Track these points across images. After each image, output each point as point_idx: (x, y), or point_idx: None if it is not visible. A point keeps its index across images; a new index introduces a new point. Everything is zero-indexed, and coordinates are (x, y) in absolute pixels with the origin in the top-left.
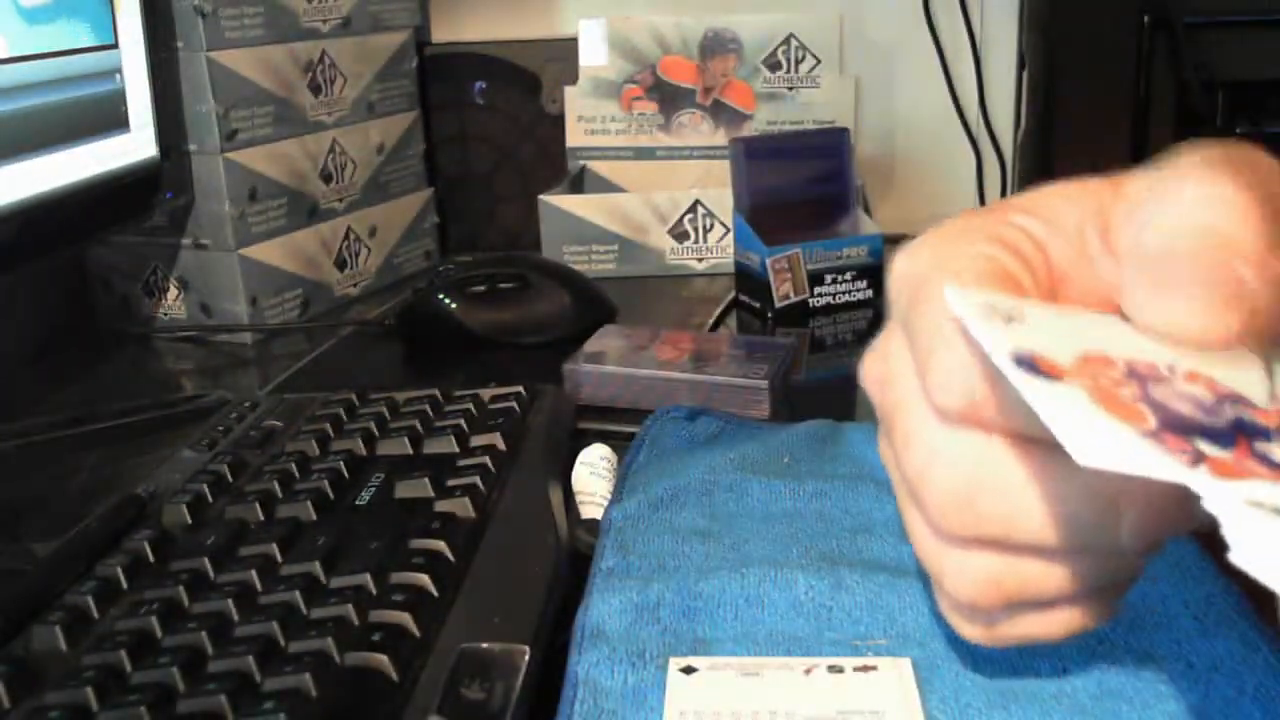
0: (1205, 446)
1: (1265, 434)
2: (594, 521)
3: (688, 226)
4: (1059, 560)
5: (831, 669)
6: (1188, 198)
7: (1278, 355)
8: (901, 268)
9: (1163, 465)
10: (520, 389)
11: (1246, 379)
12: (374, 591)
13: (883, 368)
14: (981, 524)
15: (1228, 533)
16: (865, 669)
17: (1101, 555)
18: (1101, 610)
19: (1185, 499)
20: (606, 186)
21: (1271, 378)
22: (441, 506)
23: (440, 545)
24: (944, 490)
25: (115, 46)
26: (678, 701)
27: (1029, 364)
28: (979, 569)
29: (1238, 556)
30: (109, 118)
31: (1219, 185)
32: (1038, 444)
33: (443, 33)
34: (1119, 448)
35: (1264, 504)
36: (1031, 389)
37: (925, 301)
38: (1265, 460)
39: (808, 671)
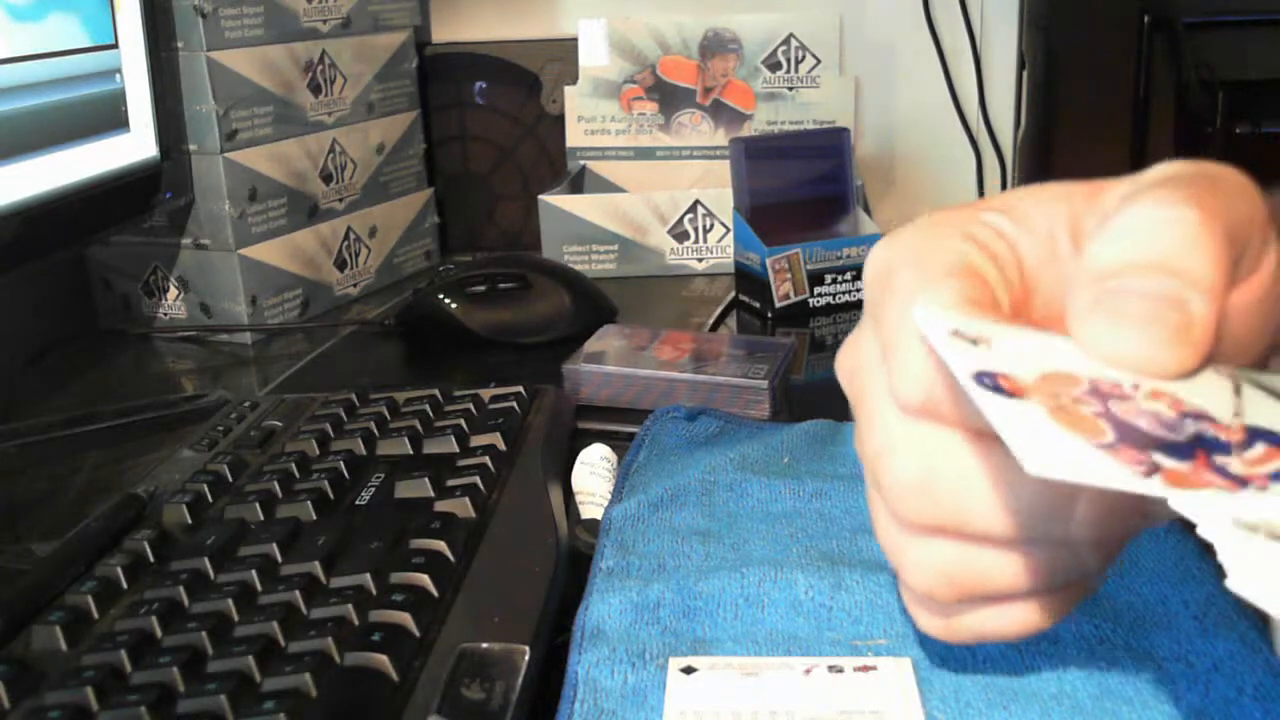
0: (1162, 459)
1: (1225, 448)
2: (594, 521)
3: (688, 226)
4: (1013, 551)
5: (831, 669)
6: (1145, 221)
7: (1248, 373)
8: (874, 260)
9: (1114, 474)
10: (520, 389)
11: (1211, 396)
12: (374, 591)
13: (853, 358)
14: (937, 512)
15: (1224, 558)
16: (865, 669)
17: (1055, 548)
18: (1056, 609)
19: (1137, 496)
20: (606, 186)
21: (1239, 394)
22: (441, 506)
23: (440, 545)
24: (901, 478)
25: (115, 46)
26: (678, 701)
27: (991, 382)
28: (935, 559)
29: (1234, 583)
30: (109, 118)
31: (1177, 209)
32: (994, 438)
33: (443, 33)
34: (1069, 458)
35: (1259, 527)
36: (991, 405)
37: (892, 295)
38: (1222, 472)
39: (808, 671)
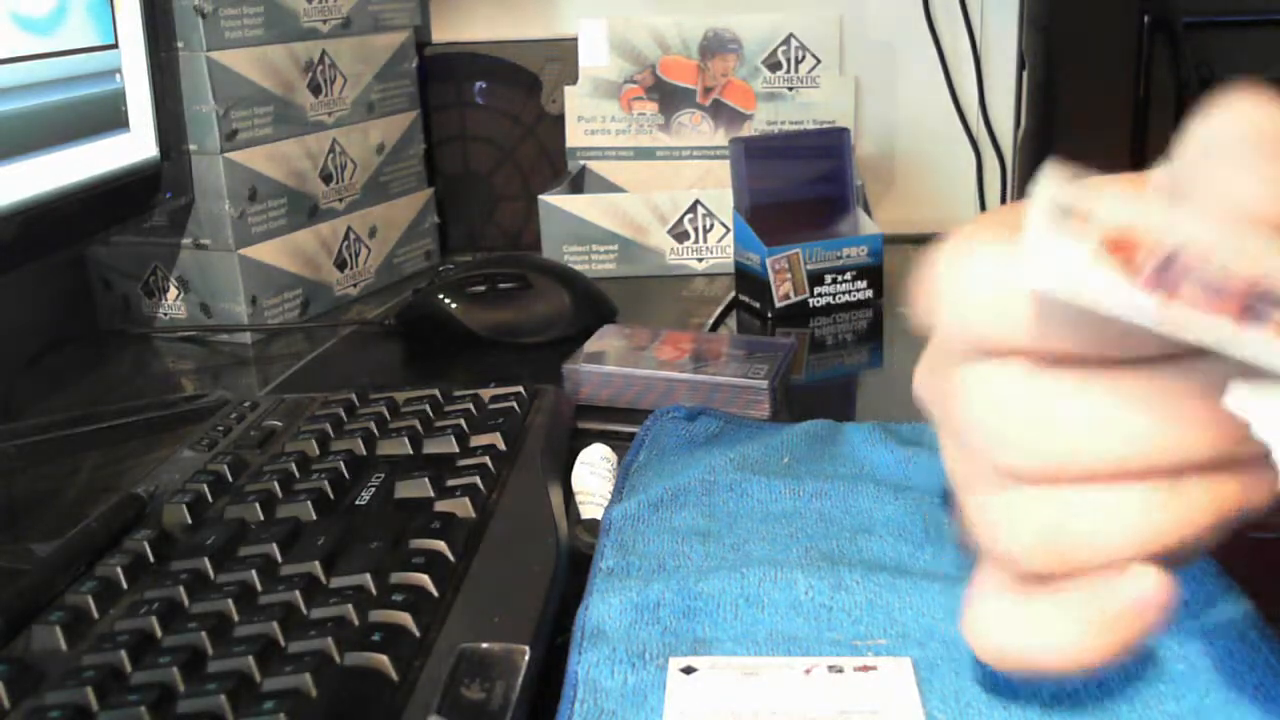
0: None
1: None
2: (594, 521)
3: (688, 226)
4: (1123, 484)
5: (831, 669)
6: (1238, 109)
7: None
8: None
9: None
10: (520, 389)
11: None
12: (374, 591)
13: (929, 363)
14: (1043, 450)
15: None
16: (865, 669)
17: (1165, 482)
18: (1153, 584)
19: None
20: (606, 186)
21: None
22: (441, 506)
23: (440, 545)
24: (1005, 417)
25: (115, 47)
26: (678, 702)
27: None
28: (1037, 507)
29: None
30: (109, 118)
31: (1265, 103)
32: (1087, 363)
33: (443, 33)
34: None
35: None
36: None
37: (947, 259)
38: None
39: (808, 672)
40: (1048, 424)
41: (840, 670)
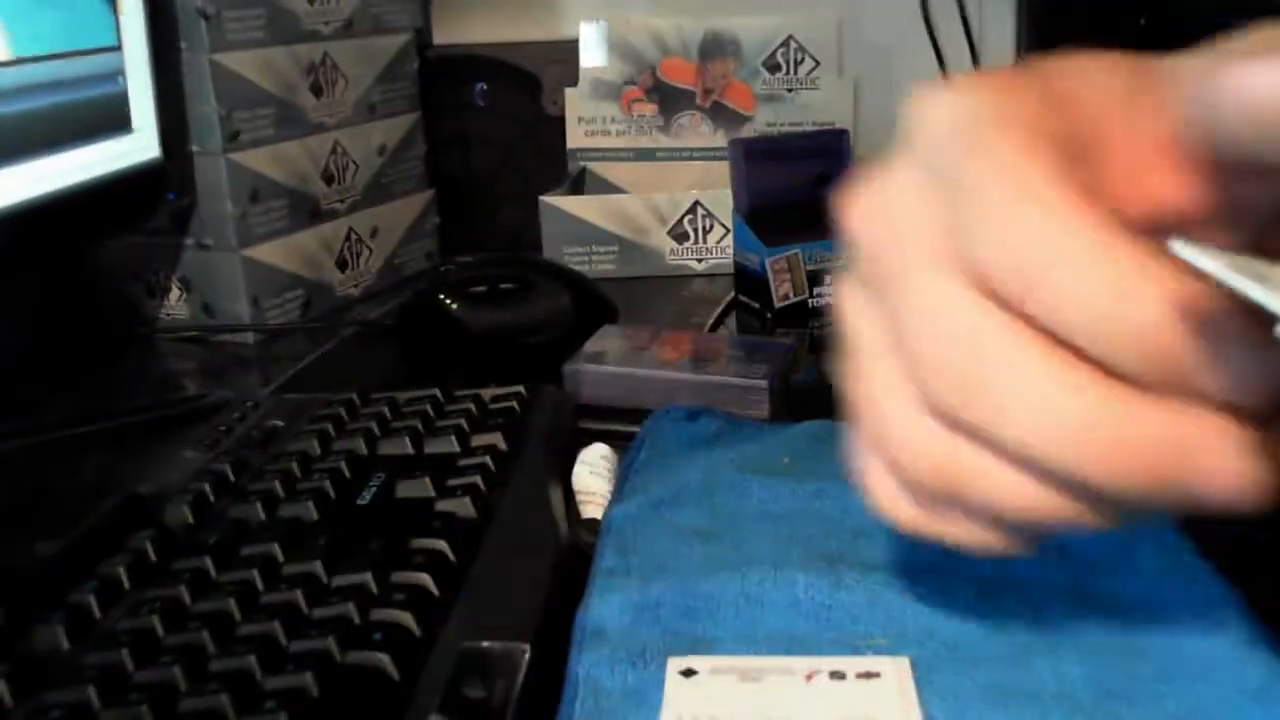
0: None
1: None
2: (594, 521)
3: (688, 227)
4: (1024, 476)
5: (834, 674)
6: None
7: None
8: (947, 109)
9: None
10: (520, 389)
11: None
12: (375, 591)
13: (882, 208)
14: (971, 407)
15: None
16: (868, 675)
17: (1069, 490)
18: (1024, 545)
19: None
20: (607, 187)
21: None
22: (442, 506)
23: (441, 545)
24: (947, 357)
25: (118, 49)
26: (676, 705)
27: None
28: (938, 448)
29: None
30: (112, 119)
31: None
32: (1063, 344)
33: (444, 35)
34: None
35: None
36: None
37: (985, 153)
38: None
39: (809, 677)
40: (991, 383)
41: (843, 676)
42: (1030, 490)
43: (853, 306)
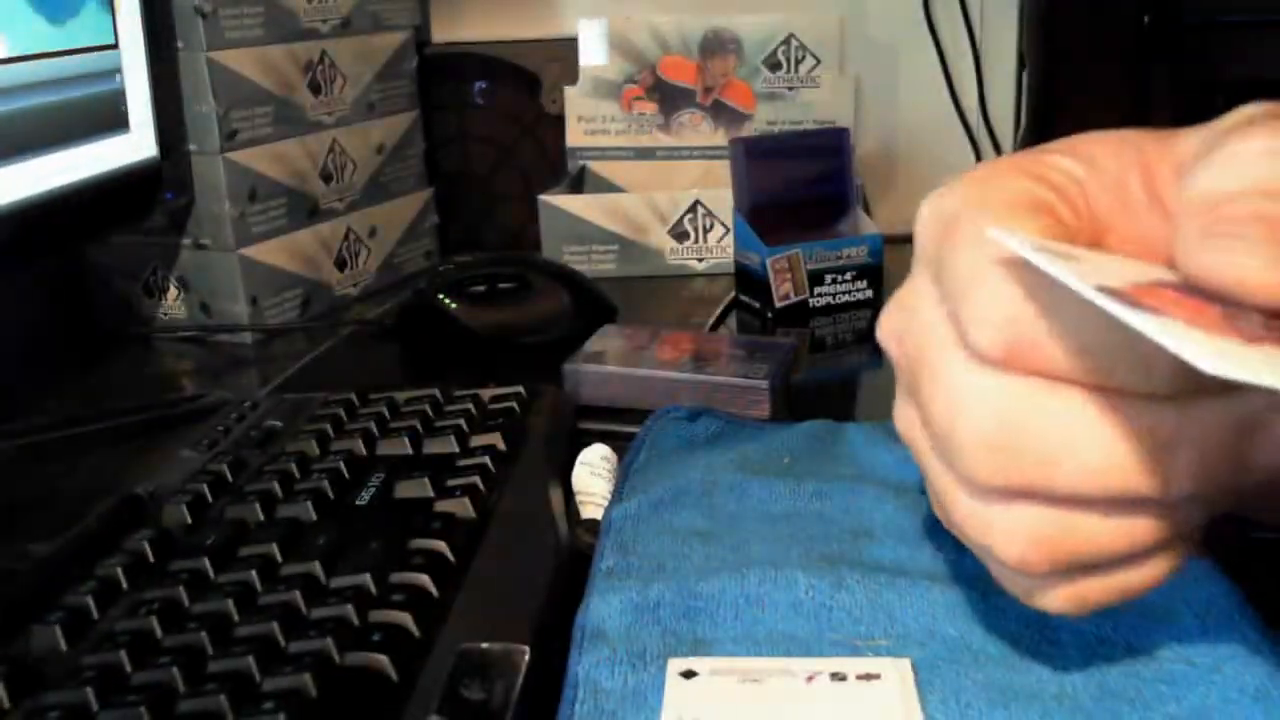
0: None
1: None
2: (594, 521)
3: (688, 226)
4: (1109, 511)
5: (835, 676)
6: (1252, 152)
7: None
8: (929, 210)
9: None
10: (520, 389)
11: None
12: (374, 591)
13: (903, 319)
14: (1021, 470)
15: None
16: (868, 676)
17: (1153, 507)
18: (1166, 567)
19: (1238, 444)
20: (606, 186)
21: None
22: (441, 506)
23: (440, 545)
24: (978, 436)
25: (115, 47)
26: (676, 706)
27: (1108, 292)
28: (1024, 524)
29: None
30: (109, 118)
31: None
32: (1078, 386)
33: (443, 33)
34: (1237, 357)
35: None
36: (1126, 313)
37: (960, 239)
38: None
39: (810, 679)
40: (1046, 443)
41: (843, 678)
42: (1117, 523)
43: (904, 421)
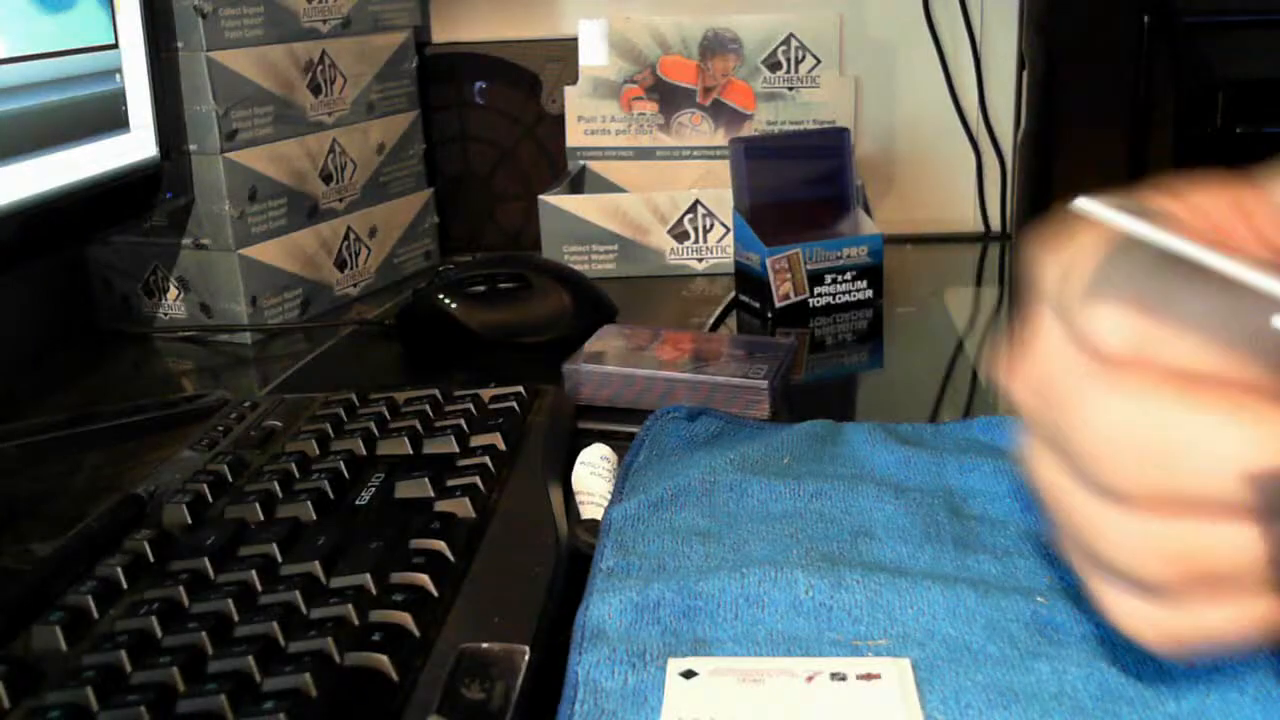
0: None
1: None
2: (594, 521)
3: (688, 226)
4: (1252, 523)
5: (835, 676)
6: None
7: None
8: (1050, 263)
9: None
10: (520, 389)
11: None
12: (374, 591)
13: (1034, 366)
14: (1164, 479)
15: None
16: (869, 676)
17: None
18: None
19: None
20: (606, 186)
21: None
22: (441, 506)
23: (440, 545)
24: (1125, 447)
25: (115, 47)
26: (676, 706)
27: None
28: (1155, 534)
29: None
30: (109, 118)
31: None
32: (1214, 387)
33: (443, 33)
34: None
35: None
36: (1211, 257)
37: (1071, 281)
38: None
39: (809, 679)
40: (1193, 453)
41: (844, 678)
42: (1256, 534)
43: (1043, 467)
